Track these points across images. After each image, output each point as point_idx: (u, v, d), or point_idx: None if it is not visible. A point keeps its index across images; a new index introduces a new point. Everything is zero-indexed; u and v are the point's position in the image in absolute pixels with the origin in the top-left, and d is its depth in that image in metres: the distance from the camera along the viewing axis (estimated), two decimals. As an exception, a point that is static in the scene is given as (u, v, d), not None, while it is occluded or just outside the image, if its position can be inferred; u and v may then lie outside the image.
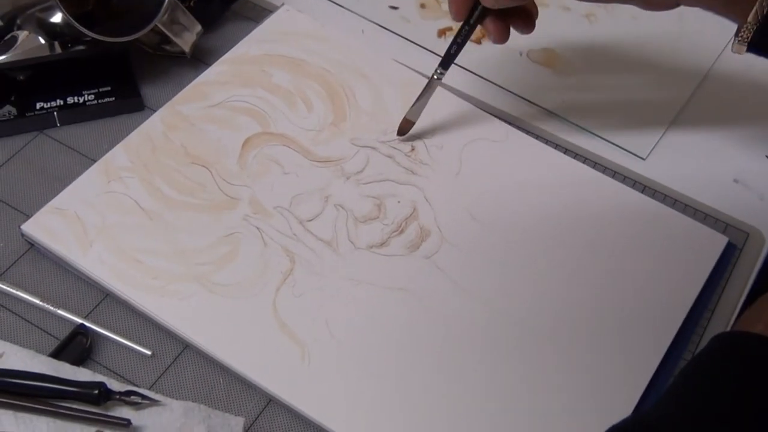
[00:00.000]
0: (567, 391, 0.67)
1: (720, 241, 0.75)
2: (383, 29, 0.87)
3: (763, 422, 0.56)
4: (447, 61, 0.75)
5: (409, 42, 0.86)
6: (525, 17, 0.74)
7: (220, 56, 0.83)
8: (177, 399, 0.63)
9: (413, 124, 0.78)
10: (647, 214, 0.76)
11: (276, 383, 0.65)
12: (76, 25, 0.75)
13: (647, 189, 0.78)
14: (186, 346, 0.68)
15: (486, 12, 0.72)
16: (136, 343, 0.67)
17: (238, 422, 0.62)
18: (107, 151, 0.76)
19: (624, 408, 0.66)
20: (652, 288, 0.72)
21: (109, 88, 0.80)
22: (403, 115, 0.78)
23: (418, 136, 0.79)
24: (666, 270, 0.73)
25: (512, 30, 0.74)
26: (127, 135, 0.77)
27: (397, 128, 0.78)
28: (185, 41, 0.81)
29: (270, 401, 0.66)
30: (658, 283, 0.72)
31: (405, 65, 0.84)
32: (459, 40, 0.74)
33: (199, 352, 0.67)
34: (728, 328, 0.71)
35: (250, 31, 0.85)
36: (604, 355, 0.68)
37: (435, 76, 0.76)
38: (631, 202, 0.77)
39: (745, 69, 0.84)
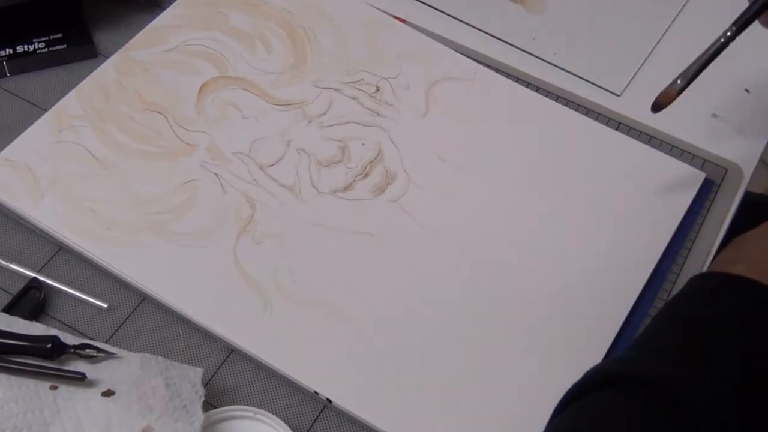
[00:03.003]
0: (540, 334, 0.64)
1: (697, 177, 0.72)
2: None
3: (748, 365, 0.53)
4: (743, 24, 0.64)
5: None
6: None
7: (175, -1, 0.80)
8: (135, 352, 0.60)
9: (674, 97, 0.67)
10: (622, 150, 0.74)
11: (237, 333, 0.63)
12: (22, -33, 0.72)
13: (622, 126, 0.75)
14: (144, 298, 0.65)
15: None
16: (92, 296, 0.65)
17: (196, 373, 0.59)
18: (59, 100, 0.73)
19: (598, 349, 0.63)
20: (627, 226, 0.70)
21: (60, 35, 0.77)
22: (665, 88, 0.67)
23: (383, 76, 0.76)
24: (642, 207, 0.71)
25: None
26: (79, 83, 0.74)
27: (361, 69, 0.76)
28: (139, -16, 0.78)
29: (232, 352, 0.63)
30: (633, 220, 0.70)
31: (371, 5, 0.80)
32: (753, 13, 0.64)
33: (158, 303, 0.64)
34: (705, 267, 0.68)
35: (207, -28, 0.82)
36: (578, 295, 0.66)
37: (723, 40, 0.65)
38: (606, 139, 0.74)
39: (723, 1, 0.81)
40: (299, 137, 0.72)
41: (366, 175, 0.70)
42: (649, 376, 0.52)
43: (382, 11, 0.80)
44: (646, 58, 0.79)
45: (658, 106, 0.67)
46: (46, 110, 0.73)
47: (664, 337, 0.58)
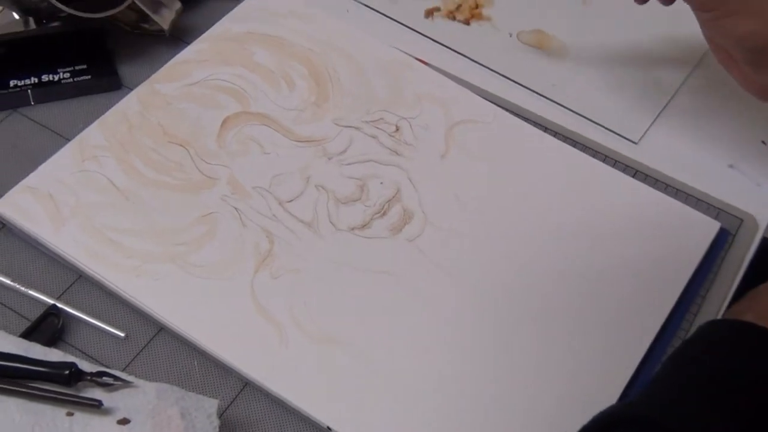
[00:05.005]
0: (553, 377, 0.64)
1: (712, 227, 0.73)
2: (369, 9, 0.85)
3: (753, 410, 0.54)
4: None
5: (395, 22, 0.84)
6: None
7: (200, 34, 0.81)
8: (150, 381, 0.61)
9: None
10: (639, 198, 0.74)
11: (252, 367, 0.63)
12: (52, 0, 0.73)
13: (639, 173, 0.76)
14: (160, 329, 0.65)
15: None
16: (110, 324, 0.65)
17: (212, 404, 0.59)
18: (82, 130, 0.74)
19: (610, 394, 0.64)
20: (642, 273, 0.70)
21: (85, 66, 0.78)
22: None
23: (403, 116, 0.77)
24: (657, 255, 0.71)
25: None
26: (103, 114, 0.75)
27: (382, 108, 0.77)
28: (164, 19, 0.79)
29: (246, 384, 0.63)
30: (648, 268, 0.70)
31: (392, 46, 0.82)
32: None
33: (174, 334, 0.64)
34: (719, 316, 0.69)
35: (231, 8, 0.83)
36: (592, 341, 0.66)
37: None
38: (623, 186, 0.75)
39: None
40: (319, 174, 0.73)
41: (384, 214, 0.71)
42: (648, 416, 0.53)
43: (404, 52, 0.81)
44: (665, 107, 0.80)
45: None
46: (68, 140, 0.73)
47: (667, 379, 0.58)
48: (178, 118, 0.75)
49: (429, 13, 0.85)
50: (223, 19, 0.82)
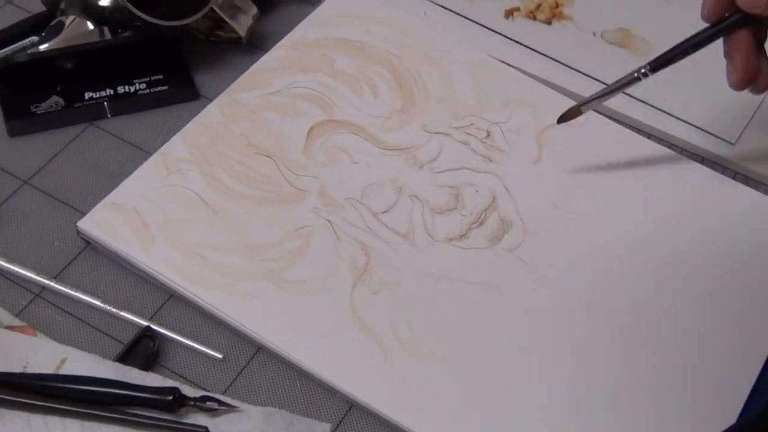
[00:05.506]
0: (664, 395, 0.62)
1: (821, 230, 0.70)
2: (447, 10, 0.82)
3: None
4: (660, 64, 0.67)
5: (474, 23, 0.81)
6: None
7: (277, 41, 0.78)
8: (253, 405, 0.58)
9: (579, 114, 0.71)
10: (741, 202, 0.71)
11: (358, 387, 0.60)
12: (129, 6, 0.70)
13: (738, 175, 0.73)
14: (259, 349, 0.63)
15: (744, 22, 0.62)
16: (206, 345, 0.63)
17: (324, 429, 0.57)
18: (161, 142, 0.71)
19: (727, 413, 0.61)
20: (751, 283, 0.67)
21: (161, 77, 0.76)
22: (573, 104, 0.71)
23: (493, 121, 0.74)
24: (764, 264, 0.68)
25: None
26: (181, 126, 0.72)
27: (470, 113, 0.74)
28: (241, 25, 0.77)
29: (352, 406, 0.61)
30: (756, 277, 0.67)
31: (472, 47, 0.79)
32: (689, 47, 0.66)
33: (274, 354, 0.62)
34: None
35: (308, 13, 0.80)
36: (702, 357, 0.63)
37: (637, 75, 0.67)
38: (723, 189, 0.72)
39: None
40: (411, 183, 0.70)
41: (481, 223, 0.68)
42: None
43: (487, 54, 0.79)
44: (760, 104, 0.77)
45: (563, 119, 0.71)
46: (148, 153, 0.71)
47: None
48: (261, 128, 0.72)
49: (509, 14, 0.82)
50: (300, 24, 0.79)
